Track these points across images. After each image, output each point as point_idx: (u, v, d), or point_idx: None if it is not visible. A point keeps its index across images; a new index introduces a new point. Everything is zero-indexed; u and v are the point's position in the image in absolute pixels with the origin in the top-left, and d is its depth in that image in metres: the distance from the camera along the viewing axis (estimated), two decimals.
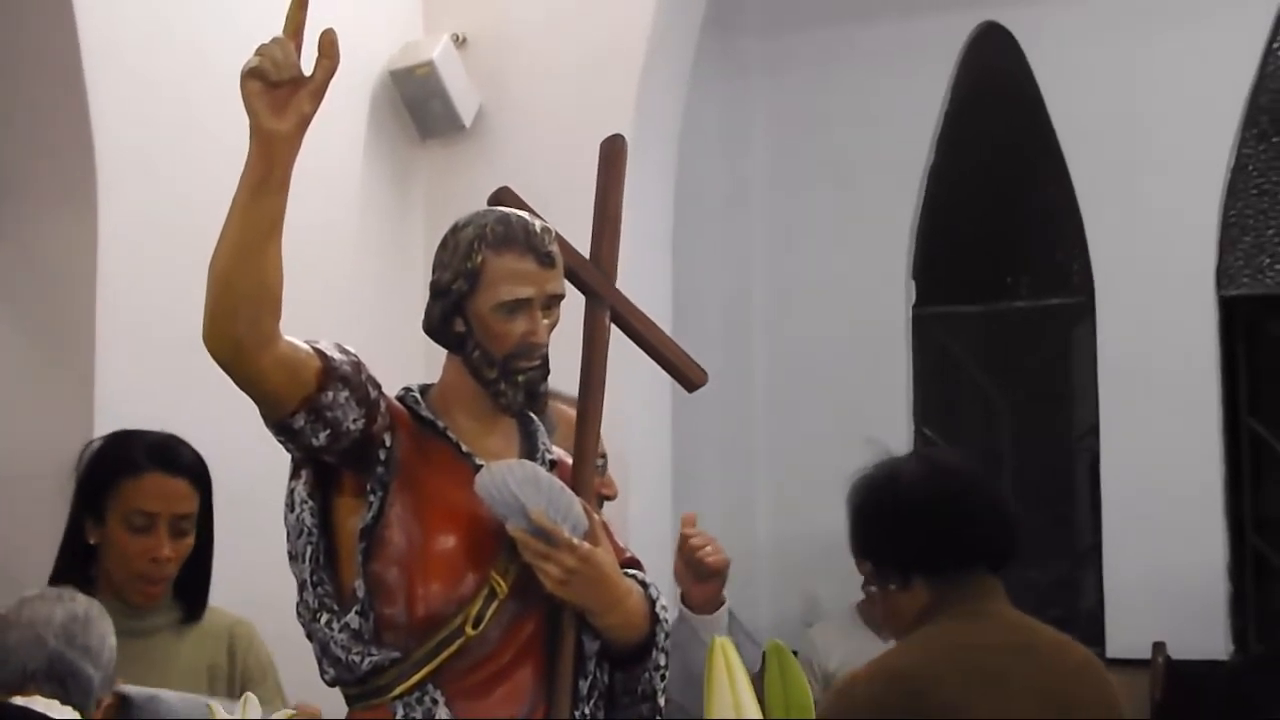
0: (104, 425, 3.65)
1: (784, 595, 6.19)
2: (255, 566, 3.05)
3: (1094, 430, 5.90)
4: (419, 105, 4.70)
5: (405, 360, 3.36)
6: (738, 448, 6.28)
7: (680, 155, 5.03)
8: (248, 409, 3.39)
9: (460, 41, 4.76)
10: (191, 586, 2.96)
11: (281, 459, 3.01)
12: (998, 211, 6.18)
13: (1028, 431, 6.19)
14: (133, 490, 2.87)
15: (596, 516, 2.20)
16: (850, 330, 6.13)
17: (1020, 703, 2.43)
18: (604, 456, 2.86)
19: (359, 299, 4.46)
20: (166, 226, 3.83)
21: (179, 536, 2.88)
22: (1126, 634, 5.68)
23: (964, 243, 6.21)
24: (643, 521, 4.65)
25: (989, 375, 6.24)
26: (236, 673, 2.92)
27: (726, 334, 6.18)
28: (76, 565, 2.93)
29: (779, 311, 6.28)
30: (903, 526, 2.65)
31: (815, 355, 6.18)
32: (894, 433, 6.13)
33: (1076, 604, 6.08)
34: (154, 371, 3.79)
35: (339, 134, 4.46)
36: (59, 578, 2.91)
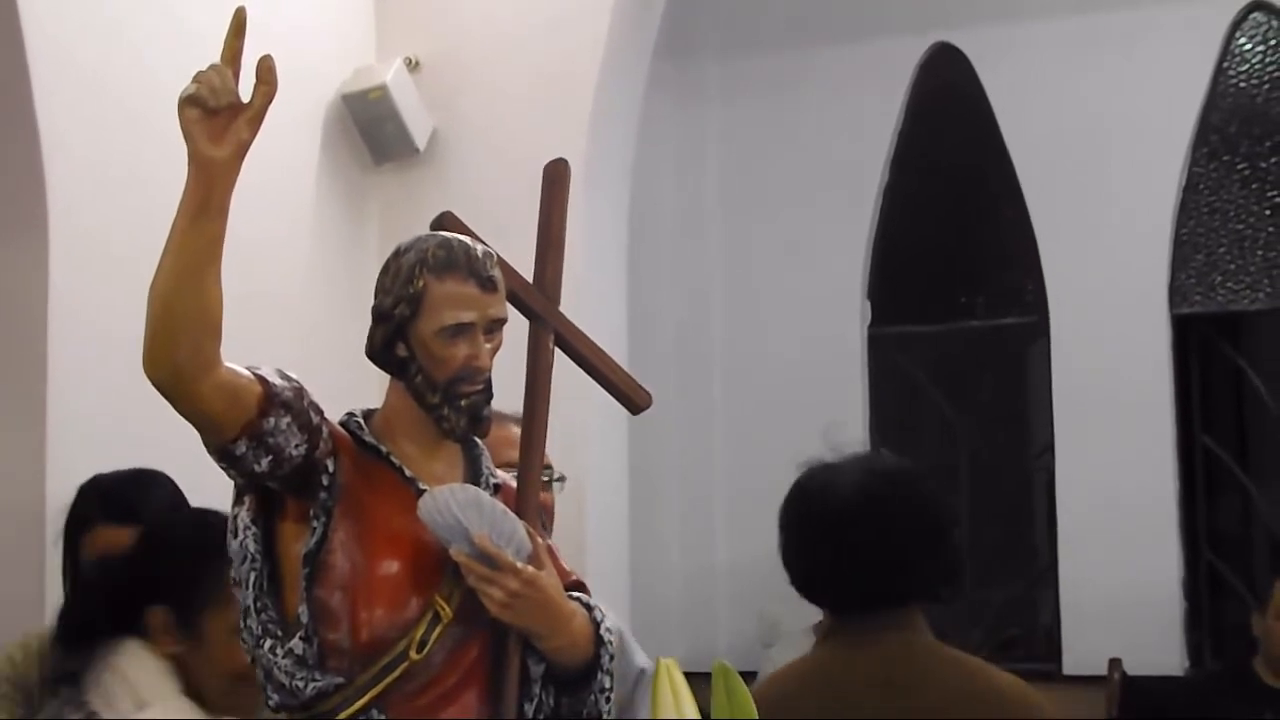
0: (57, 449, 3.64)
1: (742, 616, 6.20)
2: None
3: (1049, 448, 5.93)
4: (372, 129, 4.70)
5: (357, 384, 3.34)
6: (695, 469, 6.29)
7: (634, 178, 5.05)
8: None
9: (413, 65, 4.77)
10: None
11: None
12: (952, 231, 6.22)
13: (984, 450, 6.22)
14: (88, 545, 2.90)
15: (541, 540, 2.20)
16: (806, 350, 6.16)
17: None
18: (562, 478, 2.86)
19: (312, 322, 4.46)
20: (118, 247, 3.81)
21: None
22: (1083, 651, 5.71)
23: (919, 262, 6.24)
24: (599, 544, 4.65)
25: (945, 394, 6.27)
26: None
27: (682, 356, 6.20)
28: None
29: (735, 333, 6.30)
30: (801, 549, 2.55)
31: (771, 376, 6.20)
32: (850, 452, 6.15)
33: (1034, 621, 6.11)
34: (107, 393, 3.76)
35: (292, 157, 4.46)
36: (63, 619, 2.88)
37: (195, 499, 3.12)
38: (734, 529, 6.29)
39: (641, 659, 2.88)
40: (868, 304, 6.25)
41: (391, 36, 4.82)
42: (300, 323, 4.39)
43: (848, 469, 2.52)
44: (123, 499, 2.92)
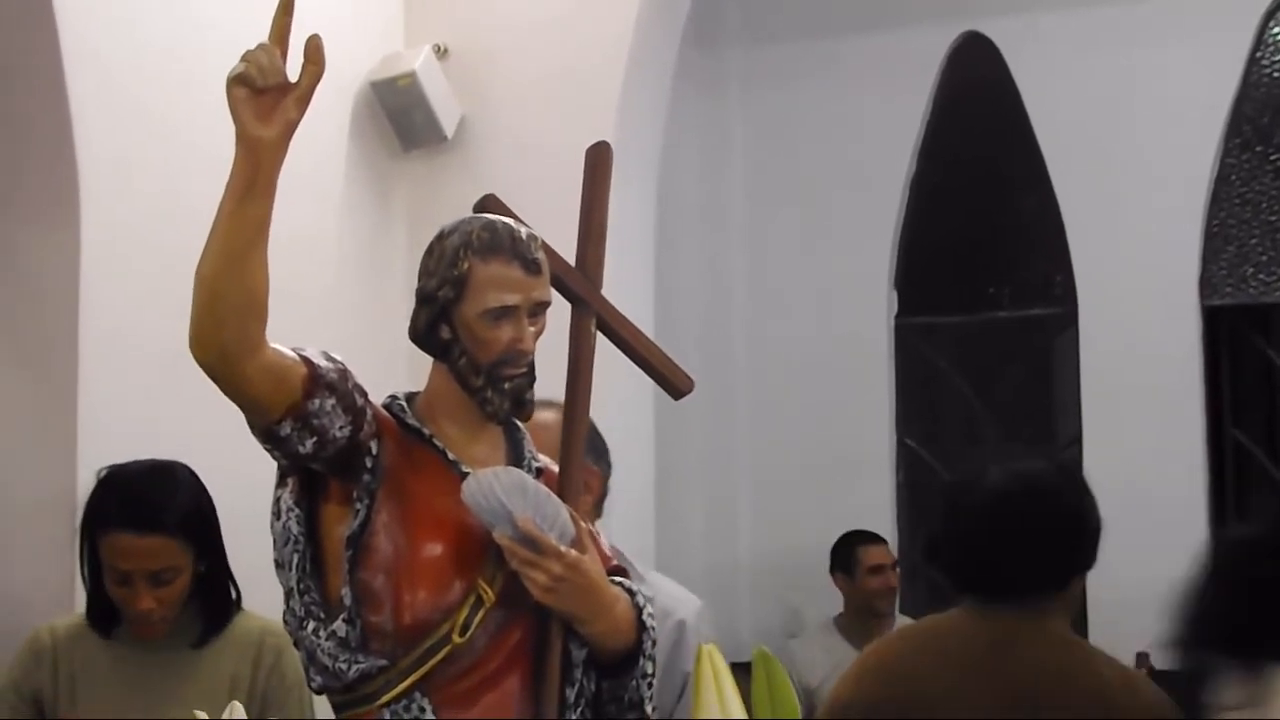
0: (87, 438, 3.64)
1: (765, 607, 6.19)
2: (244, 579, 3.04)
3: (1077, 441, 5.91)
4: (401, 116, 4.69)
5: (386, 369, 3.35)
6: (720, 460, 6.28)
7: (660, 167, 5.03)
8: (232, 421, 3.40)
9: (442, 52, 4.75)
10: (207, 610, 2.94)
11: (265, 470, 3.01)
12: (980, 222, 6.19)
13: (1011, 442, 6.19)
14: (106, 547, 2.86)
15: (584, 524, 2.19)
16: (832, 342, 6.14)
17: (981, 694, 2.47)
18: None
19: (340, 309, 4.45)
20: (149, 239, 3.81)
21: (162, 585, 2.85)
22: (1109, 645, 5.60)
23: (946, 253, 6.22)
24: (625, 534, 4.63)
25: (971, 386, 6.24)
26: (258, 687, 2.89)
27: (707, 346, 6.18)
28: (99, 595, 2.94)
29: (760, 323, 6.28)
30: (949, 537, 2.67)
31: (797, 367, 6.18)
32: (876, 444, 6.14)
33: (1067, 599, 6.08)
34: (137, 383, 3.77)
35: (321, 145, 4.45)
36: (89, 606, 2.95)
37: (224, 486, 3.12)
38: (758, 520, 6.28)
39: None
40: (894, 294, 6.23)
41: (420, 24, 4.80)
42: (327, 309, 4.37)
43: (996, 470, 2.66)
44: (143, 504, 2.87)
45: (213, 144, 3.87)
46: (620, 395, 3.81)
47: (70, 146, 3.68)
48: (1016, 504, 2.57)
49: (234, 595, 2.98)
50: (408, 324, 4.54)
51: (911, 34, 6.10)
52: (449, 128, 4.72)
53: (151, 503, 2.86)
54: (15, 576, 3.65)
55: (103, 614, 2.94)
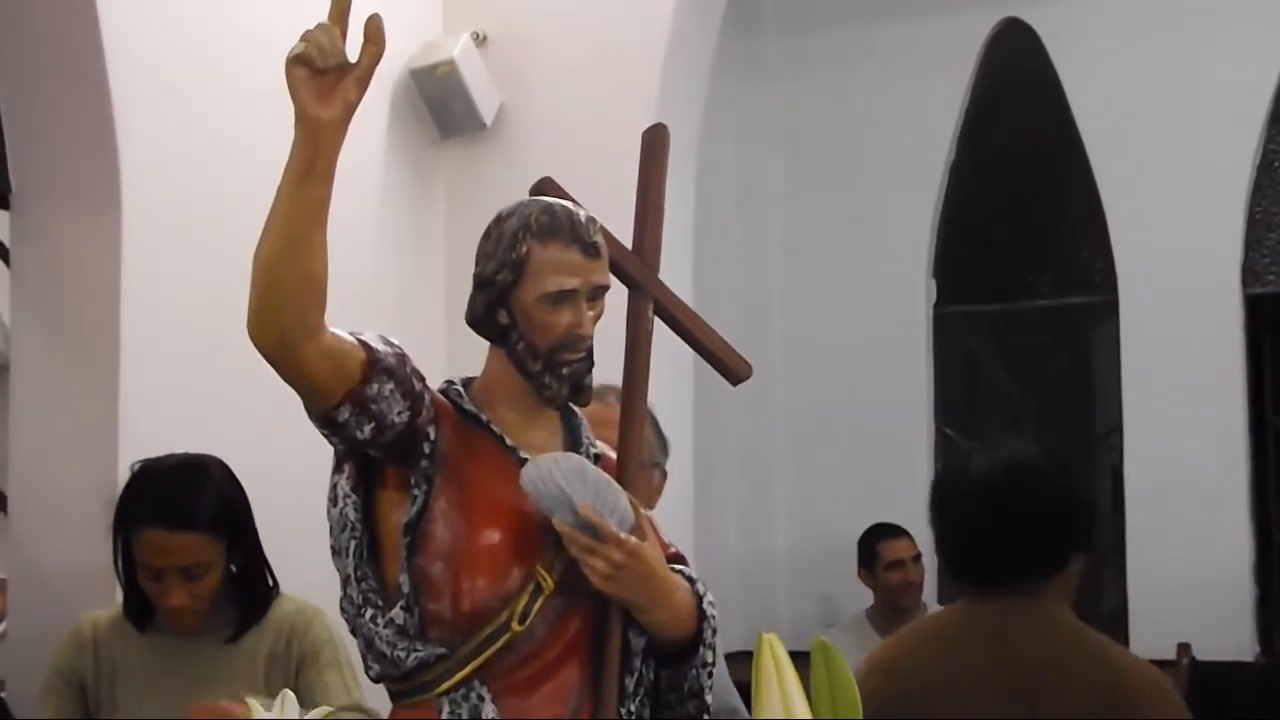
0: (128, 428, 3.64)
1: (802, 597, 6.17)
2: (282, 569, 3.04)
3: (1117, 429, 5.87)
4: (439, 104, 4.68)
5: (425, 357, 3.34)
6: (757, 450, 6.26)
7: (699, 155, 5.01)
8: (272, 410, 3.39)
9: (481, 40, 4.74)
10: (241, 603, 2.95)
11: (304, 461, 2.99)
12: (1019, 209, 6.16)
13: (1050, 431, 6.16)
14: (138, 544, 2.88)
15: (643, 511, 2.17)
16: (870, 331, 6.11)
17: (983, 685, 2.48)
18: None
19: (379, 297, 4.45)
20: (190, 230, 3.82)
21: (194, 581, 2.87)
22: (1151, 635, 5.64)
23: (985, 241, 6.19)
24: (663, 523, 4.61)
25: (1011, 374, 6.22)
26: (293, 659, 2.91)
27: (744, 336, 6.08)
28: (134, 589, 2.95)
29: (798, 313, 6.26)
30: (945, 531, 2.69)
31: (835, 356, 6.16)
32: (915, 433, 6.11)
33: (1100, 605, 6.06)
34: (178, 374, 3.77)
35: (360, 132, 4.37)
36: (126, 600, 2.97)
37: (263, 474, 3.12)
38: (795, 510, 6.26)
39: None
40: (933, 283, 6.20)
41: (459, 11, 4.79)
42: (366, 297, 4.36)
43: (980, 457, 2.69)
44: (175, 501, 2.87)
45: (252, 136, 3.92)
46: (658, 384, 3.79)
47: (112, 139, 3.69)
48: (1001, 487, 2.57)
49: (270, 584, 2.98)
50: (445, 311, 4.54)
51: (950, 20, 6.07)
52: (488, 115, 4.71)
53: (182, 500, 2.87)
54: (58, 565, 3.66)
55: (138, 607, 2.96)
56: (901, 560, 5.42)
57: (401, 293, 4.54)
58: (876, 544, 5.49)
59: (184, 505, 2.85)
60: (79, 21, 3.64)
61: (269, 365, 1.98)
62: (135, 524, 2.86)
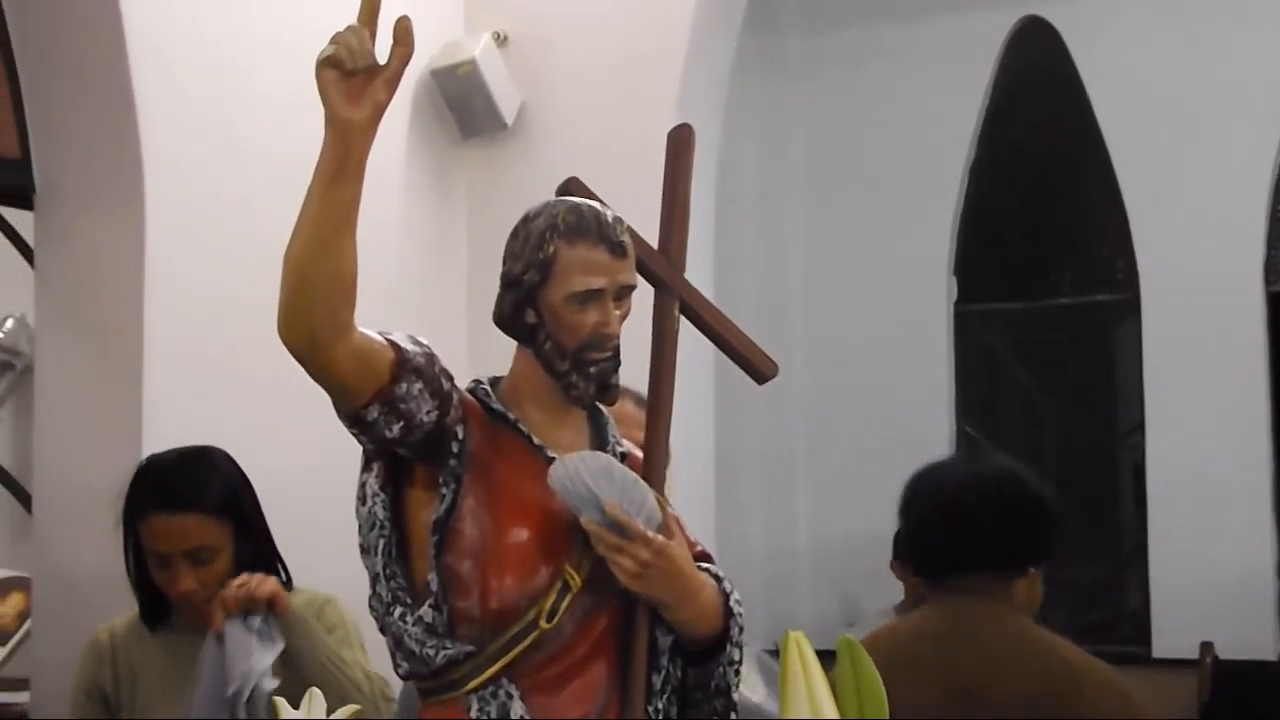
0: (152, 426, 3.65)
1: (823, 595, 6.17)
2: (303, 568, 3.05)
3: (1139, 428, 5.86)
4: (461, 104, 4.68)
5: (447, 358, 3.35)
6: (778, 448, 6.26)
7: (720, 154, 5.01)
8: (295, 409, 3.40)
9: (501, 40, 4.74)
10: None
11: (327, 459, 3.00)
12: (1040, 207, 6.16)
13: (1071, 429, 6.16)
14: (145, 532, 2.90)
15: (670, 510, 2.17)
16: (891, 329, 6.11)
17: (928, 687, 2.57)
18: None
19: (401, 298, 4.45)
20: (212, 228, 3.83)
21: (201, 566, 2.88)
22: (1174, 634, 5.64)
23: (1006, 239, 6.19)
24: (685, 521, 4.62)
25: (1032, 373, 6.21)
26: None
27: (765, 333, 6.04)
28: (146, 587, 2.97)
29: (819, 310, 6.26)
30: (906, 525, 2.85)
31: (856, 354, 6.16)
32: (935, 431, 6.10)
33: (1122, 604, 6.05)
34: (201, 371, 3.79)
35: (382, 133, 4.38)
36: (139, 599, 2.99)
37: (285, 473, 3.13)
38: (816, 508, 6.26)
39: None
40: (954, 281, 6.19)
41: (480, 11, 4.79)
42: (387, 297, 4.37)
43: (952, 461, 2.95)
44: (177, 486, 2.90)
45: (274, 135, 3.93)
46: (679, 383, 3.79)
47: (135, 139, 3.71)
48: (963, 489, 2.71)
49: (283, 579, 2.99)
50: (466, 310, 4.54)
51: (971, 19, 6.07)
52: (509, 115, 4.71)
53: (183, 483, 2.91)
54: (82, 564, 3.67)
55: (152, 606, 2.97)
56: None
57: (423, 292, 4.55)
58: None
59: (185, 488, 2.89)
60: (102, 22, 3.66)
61: (298, 364, 1.99)
62: (140, 513, 2.90)
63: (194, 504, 2.87)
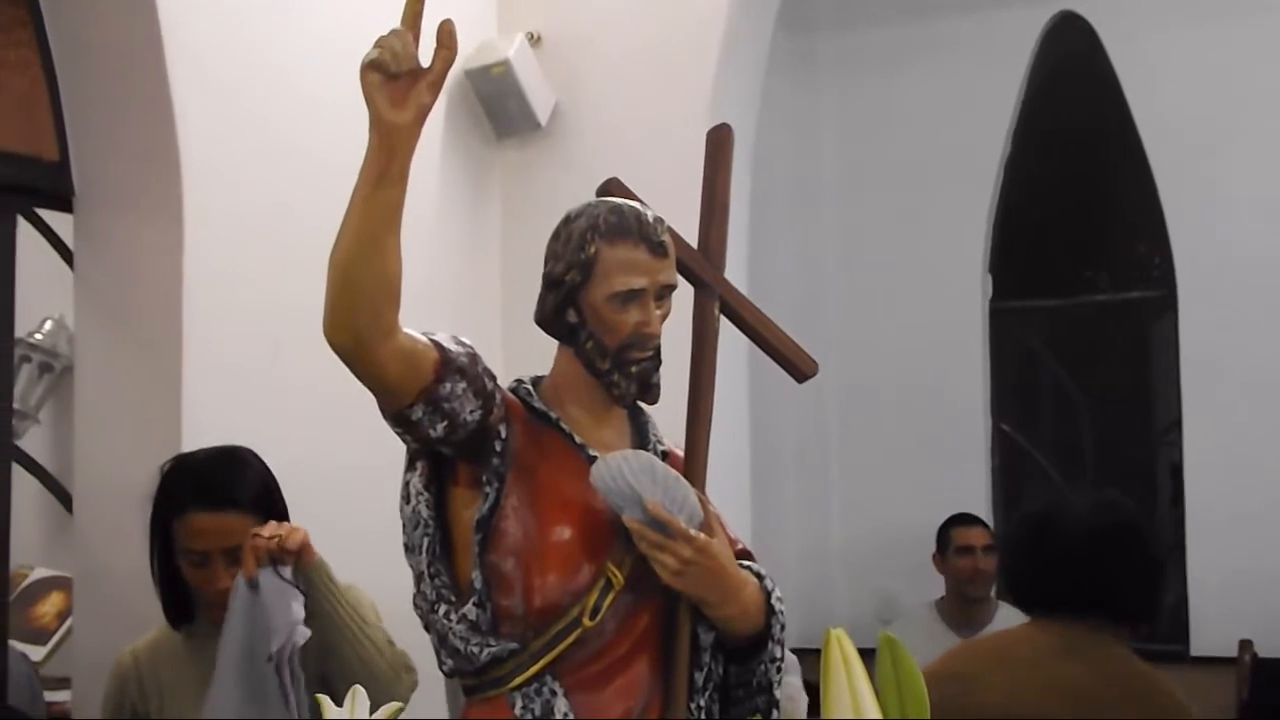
0: (191, 427, 3.67)
1: (858, 593, 6.16)
2: (341, 567, 3.06)
3: (1176, 426, 5.83)
4: (495, 104, 4.69)
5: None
6: (813, 446, 6.26)
7: (753, 152, 5.01)
8: (333, 410, 3.41)
9: (535, 40, 4.75)
10: None
11: (366, 459, 3.01)
12: (1076, 204, 6.13)
13: (1108, 427, 6.14)
14: (181, 530, 2.88)
15: (711, 507, 2.18)
16: (925, 326, 6.10)
17: (1030, 685, 2.56)
18: None
19: (435, 298, 4.44)
20: (251, 230, 3.84)
21: (237, 564, 2.86)
22: (1212, 632, 5.61)
23: (1041, 236, 6.17)
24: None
25: (1068, 371, 6.19)
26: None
27: (799, 332, 6.00)
28: (171, 588, 2.96)
29: (853, 308, 6.25)
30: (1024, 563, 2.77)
31: (890, 352, 6.15)
32: (971, 429, 6.09)
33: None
34: (240, 374, 3.80)
35: None
36: (163, 600, 2.97)
37: (324, 473, 3.14)
38: (851, 506, 6.25)
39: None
40: (989, 278, 6.17)
41: (513, 12, 4.80)
42: (422, 297, 4.37)
43: (1078, 502, 2.75)
44: (218, 483, 2.90)
45: (313, 137, 3.94)
46: (716, 384, 3.80)
47: (173, 141, 3.71)
48: (1113, 535, 2.66)
49: None
50: (501, 310, 4.54)
51: (1005, 15, 6.05)
52: (543, 115, 4.71)
53: (224, 481, 2.90)
54: (122, 565, 3.69)
55: (177, 605, 2.97)
56: (972, 546, 5.37)
57: (458, 292, 4.56)
58: (951, 529, 5.45)
59: (226, 486, 2.88)
60: (140, 25, 3.67)
61: (338, 365, 2.00)
62: (178, 510, 2.88)
63: (234, 501, 2.87)
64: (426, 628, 2.16)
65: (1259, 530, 5.58)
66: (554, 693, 2.09)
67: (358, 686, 2.37)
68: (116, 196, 3.81)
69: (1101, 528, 2.64)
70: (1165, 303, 5.91)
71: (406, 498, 2.15)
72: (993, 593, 5.38)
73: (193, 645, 2.96)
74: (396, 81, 1.91)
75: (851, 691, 2.14)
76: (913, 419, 6.11)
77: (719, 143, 2.34)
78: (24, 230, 3.84)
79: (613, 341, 2.16)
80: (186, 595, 2.95)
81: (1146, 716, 2.53)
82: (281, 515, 2.96)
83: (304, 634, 2.60)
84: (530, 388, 2.22)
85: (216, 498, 2.86)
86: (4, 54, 3.73)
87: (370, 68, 1.90)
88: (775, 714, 2.22)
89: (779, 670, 2.21)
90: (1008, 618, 4.86)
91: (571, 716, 2.09)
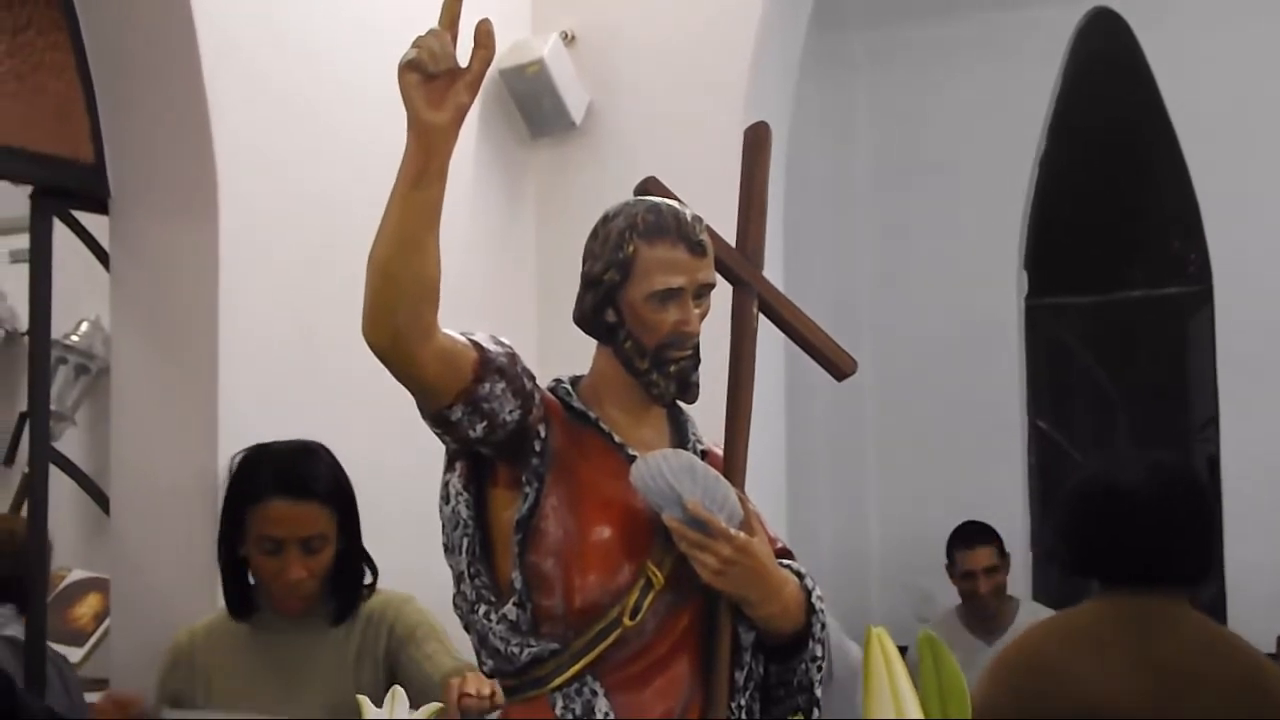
0: (227, 428, 3.67)
1: (895, 593, 6.15)
2: (382, 565, 3.07)
3: (1213, 421, 5.80)
4: (529, 103, 4.68)
5: None
6: (849, 445, 6.24)
7: (788, 149, 4.99)
8: (370, 410, 3.42)
9: (569, 39, 4.74)
10: (342, 587, 2.98)
11: (403, 459, 3.01)
12: (1111, 200, 6.11)
13: (1144, 424, 6.11)
14: (259, 517, 2.93)
15: (751, 506, 2.17)
16: (961, 324, 6.08)
17: (1118, 665, 2.52)
18: None
19: (470, 297, 4.43)
20: (287, 230, 3.84)
21: (312, 554, 2.92)
22: (1249, 627, 5.54)
23: (1077, 232, 6.14)
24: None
25: (1104, 367, 6.16)
26: (381, 648, 2.94)
27: (835, 329, 5.99)
28: (235, 578, 3.00)
29: (889, 306, 6.23)
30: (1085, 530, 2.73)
31: (926, 349, 6.13)
32: (1007, 426, 6.07)
33: (1197, 597, 5.99)
34: (276, 373, 3.80)
35: None
36: (225, 590, 3.02)
37: (362, 473, 3.15)
38: (887, 505, 6.24)
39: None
40: (1024, 275, 6.15)
41: (547, 11, 4.80)
42: (456, 297, 4.37)
43: (1133, 464, 2.71)
44: (298, 473, 2.93)
45: (350, 134, 3.94)
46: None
47: (208, 142, 3.71)
48: (1172, 495, 2.63)
49: (369, 578, 3.01)
50: (535, 309, 4.53)
51: (1039, 11, 6.03)
52: (577, 114, 4.70)
53: (303, 471, 2.95)
54: (159, 565, 3.70)
55: (240, 597, 2.99)
56: (973, 573, 5.38)
57: (493, 292, 4.55)
58: (955, 551, 5.46)
59: (305, 476, 2.94)
60: (175, 23, 3.67)
61: (376, 365, 2.00)
62: (255, 498, 2.93)
63: (314, 492, 2.93)
64: (466, 628, 2.16)
65: None
66: (594, 693, 2.09)
67: (396, 688, 2.38)
68: (152, 198, 3.82)
69: (1164, 491, 2.61)
70: (1201, 298, 5.88)
71: (446, 498, 2.15)
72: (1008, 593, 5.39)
73: (254, 635, 3.00)
74: (434, 81, 1.91)
75: (893, 691, 2.13)
76: (948, 416, 6.09)
77: (757, 141, 2.33)
78: (60, 232, 3.84)
79: (651, 341, 2.15)
80: (247, 586, 2.98)
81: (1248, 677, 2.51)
82: (353, 510, 2.99)
83: None
84: (569, 387, 2.22)
85: (295, 487, 2.92)
86: (40, 57, 3.74)
87: (408, 68, 1.90)
88: (816, 713, 2.21)
89: (820, 669, 2.20)
90: (1030, 616, 4.87)
91: (612, 716, 2.09)
